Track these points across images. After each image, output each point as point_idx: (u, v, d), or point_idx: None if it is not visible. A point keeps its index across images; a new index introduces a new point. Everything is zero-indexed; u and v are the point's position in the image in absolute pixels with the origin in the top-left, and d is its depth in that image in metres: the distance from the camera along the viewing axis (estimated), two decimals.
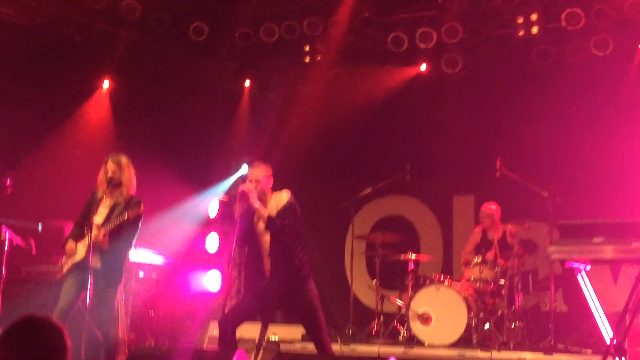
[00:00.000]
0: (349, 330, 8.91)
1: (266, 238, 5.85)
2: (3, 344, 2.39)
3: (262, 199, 5.89)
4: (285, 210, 5.82)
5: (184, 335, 9.27)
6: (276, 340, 8.43)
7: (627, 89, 8.85)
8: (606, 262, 5.34)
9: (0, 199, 8.08)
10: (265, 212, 5.78)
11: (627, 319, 4.70)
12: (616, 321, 4.83)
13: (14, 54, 8.59)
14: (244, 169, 9.01)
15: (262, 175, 5.95)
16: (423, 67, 10.09)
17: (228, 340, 5.64)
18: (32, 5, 8.84)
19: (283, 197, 5.91)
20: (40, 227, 7.90)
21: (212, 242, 10.08)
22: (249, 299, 6.05)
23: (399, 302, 8.91)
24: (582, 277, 4.77)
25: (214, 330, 8.33)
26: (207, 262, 9.97)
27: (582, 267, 4.77)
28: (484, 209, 9.10)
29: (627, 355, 4.63)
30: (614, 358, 4.48)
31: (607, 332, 4.64)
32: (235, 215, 5.99)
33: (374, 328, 8.81)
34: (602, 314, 4.75)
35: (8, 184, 8.11)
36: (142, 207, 6.31)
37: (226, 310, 5.97)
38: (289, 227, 5.77)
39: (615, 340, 4.54)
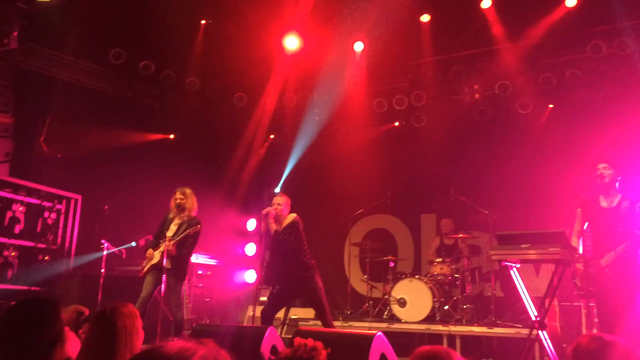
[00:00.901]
0: (347, 311, 8.86)
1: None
2: (5, 321, 2.19)
3: (279, 219, 5.92)
4: (288, 227, 5.84)
5: (230, 315, 9.24)
6: (296, 318, 8.39)
7: (542, 135, 8.85)
8: (531, 261, 5.29)
9: (100, 220, 8.14)
10: (273, 228, 5.82)
11: (547, 302, 4.67)
12: (539, 304, 4.80)
13: (110, 117, 8.66)
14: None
15: (282, 202, 5.98)
16: (396, 123, 10.14)
17: (268, 322, 5.66)
18: (123, 82, 8.94)
19: (289, 218, 5.93)
20: (134, 244, 7.91)
21: (250, 249, 10.09)
22: (276, 293, 6.04)
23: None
24: (514, 272, 4.74)
25: (251, 311, 8.29)
26: (247, 262, 9.96)
27: (514, 265, 4.74)
28: (442, 223, 9.08)
29: (547, 328, 4.58)
30: (538, 330, 4.44)
31: (532, 312, 4.59)
32: (262, 230, 6.02)
33: (365, 309, 8.77)
34: (529, 299, 4.70)
35: (105, 208, 8.17)
36: (200, 225, 6.34)
37: (259, 297, 5.96)
38: (288, 240, 5.77)
39: (538, 318, 4.50)
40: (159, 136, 9.60)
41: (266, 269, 7.12)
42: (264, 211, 5.87)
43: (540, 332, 4.43)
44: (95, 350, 2.55)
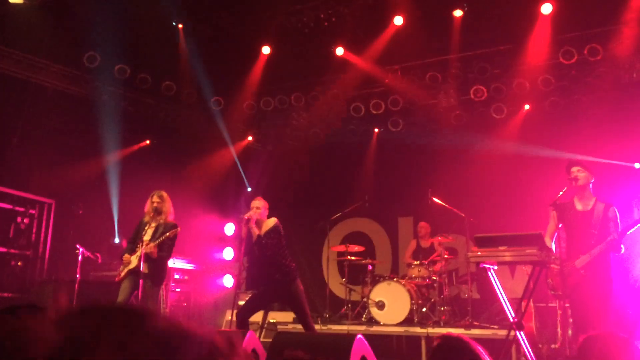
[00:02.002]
0: (326, 314, 8.84)
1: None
2: None
3: (259, 223, 5.89)
4: (270, 232, 5.82)
5: (208, 319, 9.14)
6: (274, 322, 8.34)
7: (517, 139, 8.99)
8: (509, 263, 5.35)
9: (74, 222, 7.99)
10: (255, 233, 5.79)
11: (523, 303, 4.72)
12: (515, 305, 4.85)
13: (84, 121, 8.51)
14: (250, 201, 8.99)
15: (261, 205, 5.95)
16: (376, 130, 10.19)
17: (243, 325, 5.60)
18: (97, 86, 8.79)
19: (270, 222, 5.91)
20: (117, 241, 7.78)
21: (228, 253, 10.01)
22: (256, 296, 6.00)
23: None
24: (491, 274, 4.79)
25: (229, 316, 8.22)
26: (224, 267, 9.88)
27: (491, 267, 4.79)
28: (419, 226, 9.14)
29: (524, 328, 4.64)
30: (515, 331, 4.49)
31: (510, 313, 4.64)
32: (242, 235, 5.98)
33: (344, 312, 8.77)
34: (506, 300, 4.76)
35: (80, 212, 8.03)
36: (178, 228, 6.27)
37: (238, 301, 5.90)
38: (271, 244, 5.75)
39: (516, 319, 4.55)
40: (134, 140, 9.46)
41: (247, 273, 7.07)
42: (246, 216, 5.83)
43: (517, 332, 4.48)
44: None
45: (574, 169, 5.20)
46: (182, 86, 9.13)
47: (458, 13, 7.94)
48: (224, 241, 10.01)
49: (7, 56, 7.72)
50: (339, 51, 8.80)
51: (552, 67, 8.36)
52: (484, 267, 4.75)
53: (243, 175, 10.46)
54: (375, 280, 8.49)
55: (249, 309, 5.85)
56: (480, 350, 1.92)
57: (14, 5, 7.18)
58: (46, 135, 7.93)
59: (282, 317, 8.53)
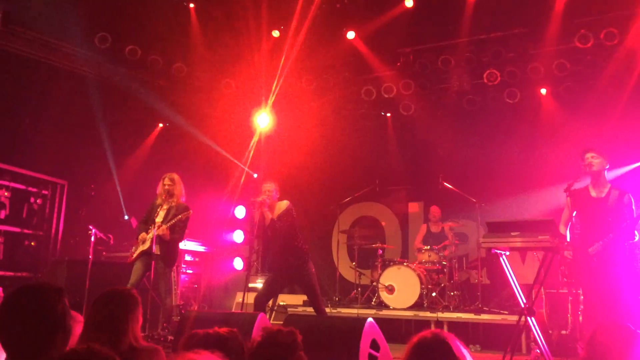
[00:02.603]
0: (336, 297, 8.89)
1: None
2: (7, 307, 2.12)
3: (271, 206, 5.90)
4: (283, 215, 5.83)
5: (218, 301, 9.23)
6: (284, 304, 8.40)
7: (530, 125, 8.93)
8: (521, 249, 5.34)
9: (87, 203, 8.05)
10: (269, 217, 5.80)
11: (535, 289, 4.72)
12: (526, 291, 4.84)
13: (96, 102, 8.50)
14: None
15: (272, 188, 5.96)
16: (388, 114, 10.13)
17: (261, 309, 5.67)
18: (109, 66, 8.77)
19: (283, 205, 5.92)
20: (127, 217, 7.83)
21: (238, 236, 10.06)
22: (271, 280, 6.02)
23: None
24: (503, 259, 4.77)
25: (240, 298, 8.29)
26: (235, 250, 9.94)
27: (503, 252, 4.77)
28: (431, 210, 9.12)
29: (535, 314, 4.64)
30: (527, 317, 4.49)
31: (521, 299, 4.63)
32: (255, 219, 5.99)
33: (353, 296, 8.81)
34: (518, 286, 4.75)
35: (93, 194, 8.08)
36: (190, 211, 6.31)
37: (248, 284, 5.95)
38: (284, 227, 5.77)
39: (527, 305, 4.55)
40: (145, 122, 9.46)
41: (263, 256, 7.11)
42: (259, 199, 5.84)
43: (528, 318, 4.48)
44: (101, 329, 2.52)
45: (588, 155, 5.16)
46: (193, 68, 9.10)
47: None
48: (235, 224, 10.05)
49: (20, 36, 7.73)
50: (350, 35, 8.74)
51: (568, 51, 8.25)
52: (496, 253, 4.74)
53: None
54: (385, 265, 8.51)
55: (267, 292, 5.92)
56: (459, 347, 1.94)
57: None
58: (59, 116, 7.95)
59: (292, 300, 8.59)
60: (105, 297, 2.68)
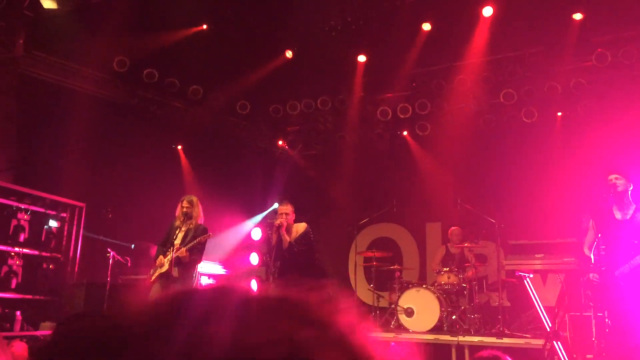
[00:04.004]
0: None
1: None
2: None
3: (288, 229, 5.92)
4: (302, 238, 5.85)
5: None
6: None
7: (548, 144, 8.91)
8: (545, 272, 5.30)
9: (104, 225, 8.11)
10: (286, 240, 5.82)
11: (560, 313, 4.68)
12: (549, 313, 4.80)
13: (114, 124, 8.63)
14: (276, 206, 9.03)
15: (289, 210, 5.99)
16: (405, 132, 10.17)
17: None
18: (128, 89, 8.92)
19: (300, 227, 5.94)
20: (133, 246, 7.90)
21: (254, 258, 10.07)
22: None
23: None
24: (527, 282, 4.75)
25: None
26: (251, 272, 9.94)
27: (527, 275, 4.75)
28: (452, 231, 9.06)
29: (561, 338, 4.59)
30: (553, 341, 4.45)
31: (547, 322, 4.59)
32: (272, 242, 6.01)
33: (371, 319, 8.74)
34: (543, 309, 4.71)
35: (110, 216, 8.16)
36: (209, 234, 6.35)
37: None
38: (302, 251, 5.78)
39: (553, 329, 4.51)
40: (163, 144, 9.57)
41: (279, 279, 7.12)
42: (277, 222, 5.87)
43: (555, 342, 4.43)
44: None
45: (612, 176, 5.13)
46: (209, 90, 9.23)
47: (487, 12, 7.87)
48: (251, 246, 10.07)
49: (41, 61, 7.90)
50: (361, 58, 8.86)
51: (585, 69, 8.26)
52: (520, 275, 4.72)
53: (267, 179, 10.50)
54: (404, 287, 8.44)
55: None
56: None
57: (47, 10, 7.34)
58: (77, 139, 8.06)
59: None
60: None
